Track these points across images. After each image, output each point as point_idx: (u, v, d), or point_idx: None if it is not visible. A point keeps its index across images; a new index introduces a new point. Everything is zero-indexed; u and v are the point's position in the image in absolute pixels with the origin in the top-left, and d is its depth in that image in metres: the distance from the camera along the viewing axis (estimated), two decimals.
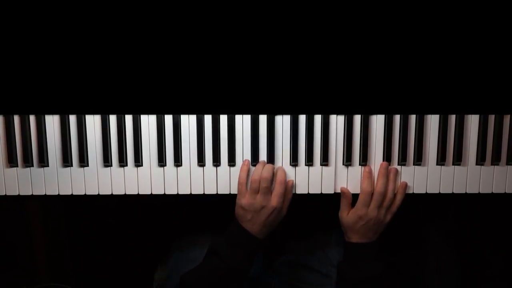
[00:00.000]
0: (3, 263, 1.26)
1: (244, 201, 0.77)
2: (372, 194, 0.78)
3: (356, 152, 0.80)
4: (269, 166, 0.78)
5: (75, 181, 0.79)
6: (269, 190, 0.76)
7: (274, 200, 0.76)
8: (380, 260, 0.80)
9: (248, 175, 0.78)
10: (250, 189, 0.77)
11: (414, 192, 0.81)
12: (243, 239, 0.77)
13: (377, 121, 0.80)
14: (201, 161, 0.79)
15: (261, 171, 0.77)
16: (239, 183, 0.78)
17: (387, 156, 0.80)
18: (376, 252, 0.80)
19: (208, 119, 0.79)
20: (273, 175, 0.78)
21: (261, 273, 0.92)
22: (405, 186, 0.80)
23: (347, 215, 0.80)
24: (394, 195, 0.79)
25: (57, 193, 0.80)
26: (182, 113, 0.78)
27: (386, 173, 0.79)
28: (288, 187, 0.78)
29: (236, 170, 0.80)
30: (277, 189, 0.77)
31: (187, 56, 0.70)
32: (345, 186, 0.81)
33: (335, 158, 0.80)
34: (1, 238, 1.25)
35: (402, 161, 0.80)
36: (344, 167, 0.81)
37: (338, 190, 0.81)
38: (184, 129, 0.79)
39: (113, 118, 0.79)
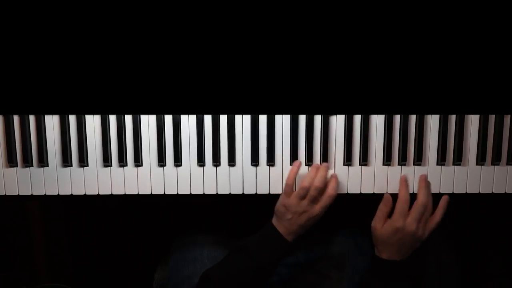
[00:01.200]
0: (3, 263, 1.26)
1: (288, 201, 0.76)
2: (408, 202, 0.75)
3: (356, 152, 0.80)
4: (323, 174, 0.76)
5: (74, 181, 0.79)
6: (316, 199, 0.75)
7: (318, 209, 0.75)
8: (408, 278, 0.77)
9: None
10: (297, 194, 0.75)
11: (415, 192, 0.81)
12: (274, 240, 0.76)
13: (377, 121, 0.80)
14: (201, 161, 0.79)
15: (313, 178, 0.75)
16: (287, 184, 0.77)
17: (387, 156, 0.80)
18: (406, 271, 0.77)
19: (208, 119, 0.79)
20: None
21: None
22: (447, 200, 0.77)
23: (382, 227, 0.76)
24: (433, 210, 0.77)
25: (56, 193, 0.80)
26: (182, 113, 0.78)
27: (427, 184, 0.77)
28: (333, 196, 0.77)
29: (235, 170, 0.80)
30: (326, 201, 0.75)
31: (187, 56, 0.70)
32: (345, 186, 0.80)
33: (335, 158, 0.80)
34: (1, 238, 1.25)
35: (402, 161, 0.80)
36: (344, 167, 0.81)
37: (338, 191, 0.81)
38: (184, 129, 0.79)
39: (113, 118, 0.79)
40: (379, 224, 0.77)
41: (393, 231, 0.74)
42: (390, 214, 0.77)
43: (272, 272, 0.78)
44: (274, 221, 0.78)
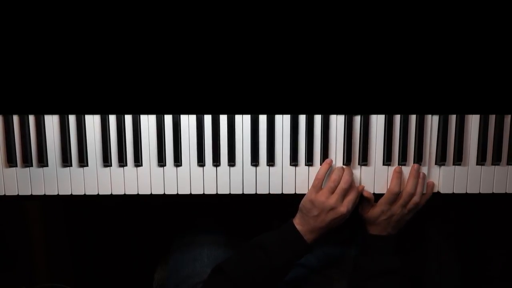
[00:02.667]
0: (3, 263, 1.26)
1: (316, 196, 0.76)
2: (397, 194, 0.78)
3: (356, 152, 0.80)
4: (350, 170, 0.79)
5: (74, 181, 0.79)
6: (346, 193, 0.76)
7: (345, 206, 0.76)
8: (396, 255, 0.80)
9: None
10: (327, 187, 0.76)
11: None
12: (293, 240, 0.76)
13: (377, 121, 0.80)
14: (201, 161, 0.79)
15: (342, 173, 0.77)
16: (317, 178, 0.77)
17: (387, 156, 0.80)
18: (394, 246, 0.80)
19: (208, 119, 0.79)
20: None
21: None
22: (433, 186, 0.81)
23: (367, 212, 0.80)
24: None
25: (56, 193, 0.80)
26: (182, 113, 0.78)
27: (418, 175, 0.79)
28: (358, 196, 0.79)
29: (235, 170, 0.80)
30: (351, 195, 0.77)
31: (187, 56, 0.70)
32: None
33: (335, 158, 0.80)
34: (1, 238, 1.25)
35: (402, 161, 0.80)
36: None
37: None
38: (184, 129, 0.79)
39: (112, 118, 0.79)
40: (365, 211, 0.81)
41: (379, 213, 0.79)
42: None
43: (288, 272, 0.77)
44: (296, 220, 0.78)
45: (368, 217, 0.80)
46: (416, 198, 0.78)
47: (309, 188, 0.79)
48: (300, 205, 0.78)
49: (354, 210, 0.80)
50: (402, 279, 0.80)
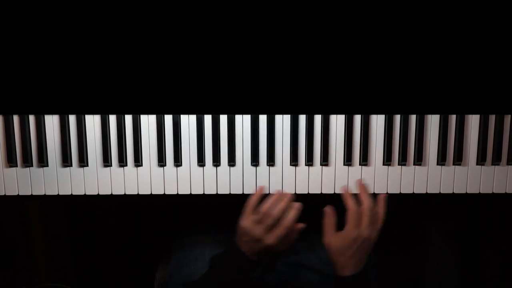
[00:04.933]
0: (3, 263, 1.26)
1: (245, 223, 0.75)
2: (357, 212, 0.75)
3: (356, 152, 0.80)
4: (283, 204, 0.75)
5: (74, 181, 0.79)
6: (270, 227, 0.74)
7: (271, 238, 0.74)
8: (370, 276, 0.77)
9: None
10: (254, 218, 0.75)
11: (415, 192, 0.81)
12: (238, 258, 0.76)
13: (377, 121, 0.80)
14: (201, 161, 0.79)
15: (272, 205, 0.75)
16: (247, 206, 0.76)
17: (387, 156, 0.80)
18: (369, 274, 0.76)
19: (208, 119, 0.79)
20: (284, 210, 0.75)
21: (262, 273, 0.92)
22: (385, 198, 0.78)
23: (336, 240, 0.75)
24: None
25: (56, 193, 0.80)
26: (182, 113, 0.78)
27: (364, 188, 0.78)
28: (295, 230, 0.76)
29: (235, 170, 0.80)
30: (279, 231, 0.74)
31: (187, 55, 0.70)
32: (345, 187, 0.80)
33: (335, 158, 0.80)
34: (1, 238, 1.25)
35: (403, 161, 0.80)
36: (344, 167, 0.81)
37: (338, 190, 0.81)
38: (184, 129, 0.79)
39: (112, 118, 0.79)
40: (332, 238, 0.76)
41: (351, 242, 0.73)
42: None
43: (245, 286, 0.76)
44: (236, 239, 0.78)
45: (337, 248, 0.75)
46: (375, 211, 0.75)
47: (308, 189, 0.79)
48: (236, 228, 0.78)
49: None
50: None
